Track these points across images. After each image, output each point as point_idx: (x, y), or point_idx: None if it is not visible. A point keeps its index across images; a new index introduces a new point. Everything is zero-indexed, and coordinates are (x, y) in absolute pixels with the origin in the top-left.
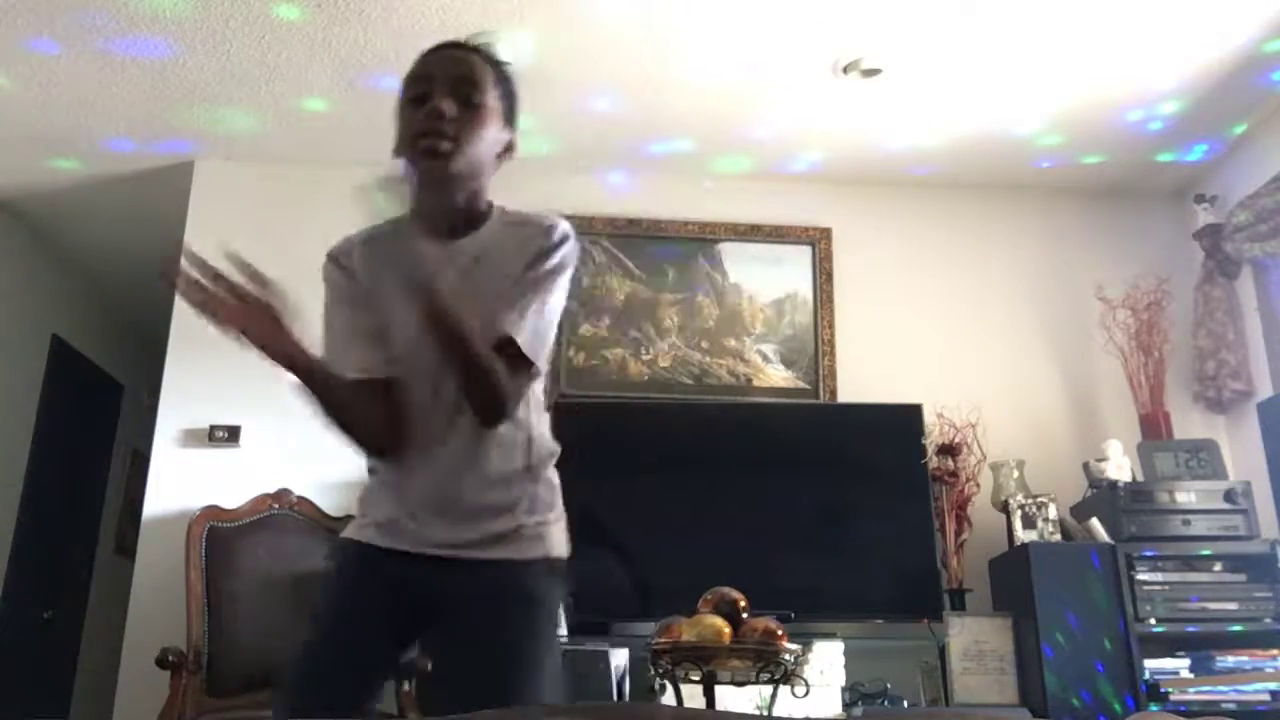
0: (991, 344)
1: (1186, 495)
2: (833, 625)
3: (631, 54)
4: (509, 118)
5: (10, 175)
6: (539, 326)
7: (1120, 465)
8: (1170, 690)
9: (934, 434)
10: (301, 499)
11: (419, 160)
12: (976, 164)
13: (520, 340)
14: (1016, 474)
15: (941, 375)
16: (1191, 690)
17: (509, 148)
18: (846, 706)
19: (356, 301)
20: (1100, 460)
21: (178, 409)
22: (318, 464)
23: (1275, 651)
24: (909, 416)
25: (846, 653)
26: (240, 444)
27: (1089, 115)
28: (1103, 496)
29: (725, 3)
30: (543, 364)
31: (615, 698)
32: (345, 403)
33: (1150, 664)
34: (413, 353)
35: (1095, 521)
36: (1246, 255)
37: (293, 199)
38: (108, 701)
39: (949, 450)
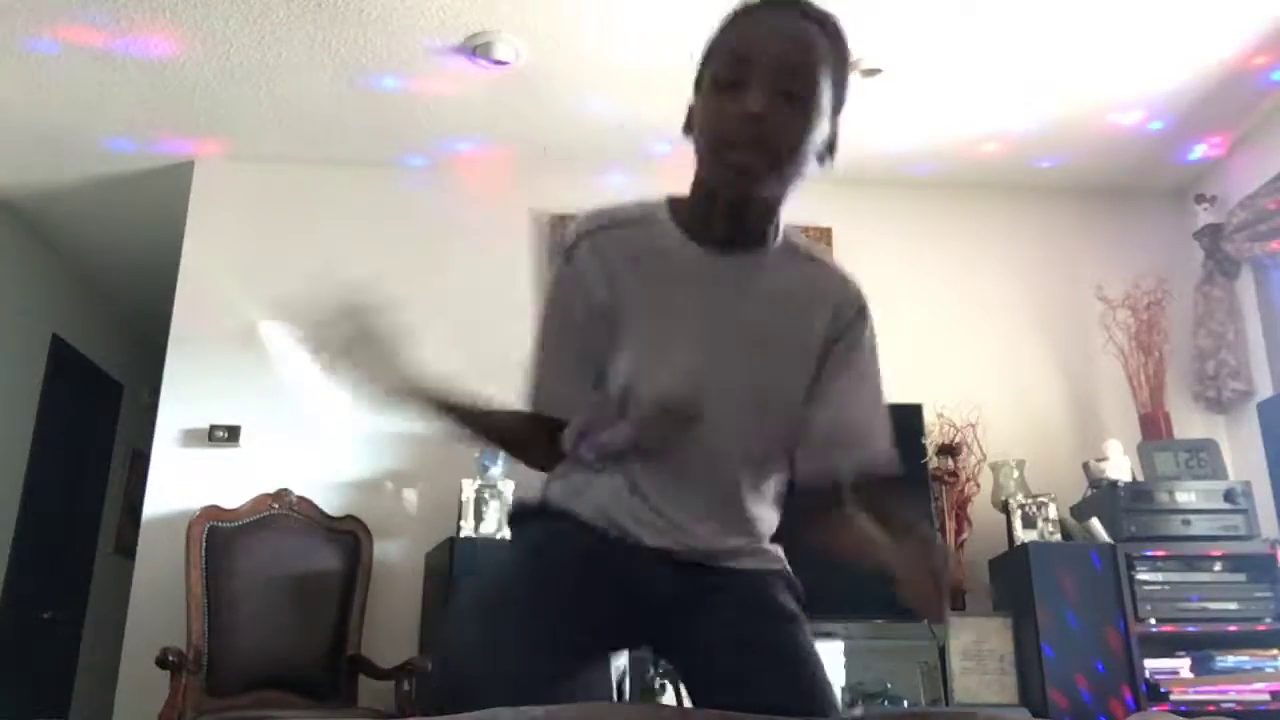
0: (991, 344)
1: (1186, 495)
2: (833, 625)
3: (632, 54)
4: (836, 107)
5: (10, 175)
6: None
7: (1120, 465)
8: (1170, 690)
9: (934, 434)
10: (301, 499)
11: (722, 173)
12: (976, 164)
13: (890, 462)
14: (1016, 474)
15: (941, 375)
16: (1191, 690)
17: (830, 147)
18: (846, 706)
19: (587, 315)
20: (1100, 460)
21: (178, 409)
22: (318, 464)
23: (1275, 651)
24: (909, 416)
25: (846, 653)
26: (240, 444)
27: (1089, 115)
28: (1103, 496)
29: (725, 3)
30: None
31: (615, 698)
32: (500, 432)
33: (1150, 664)
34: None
35: (1095, 521)
36: (1246, 255)
37: (293, 199)
38: (108, 701)
39: (949, 450)
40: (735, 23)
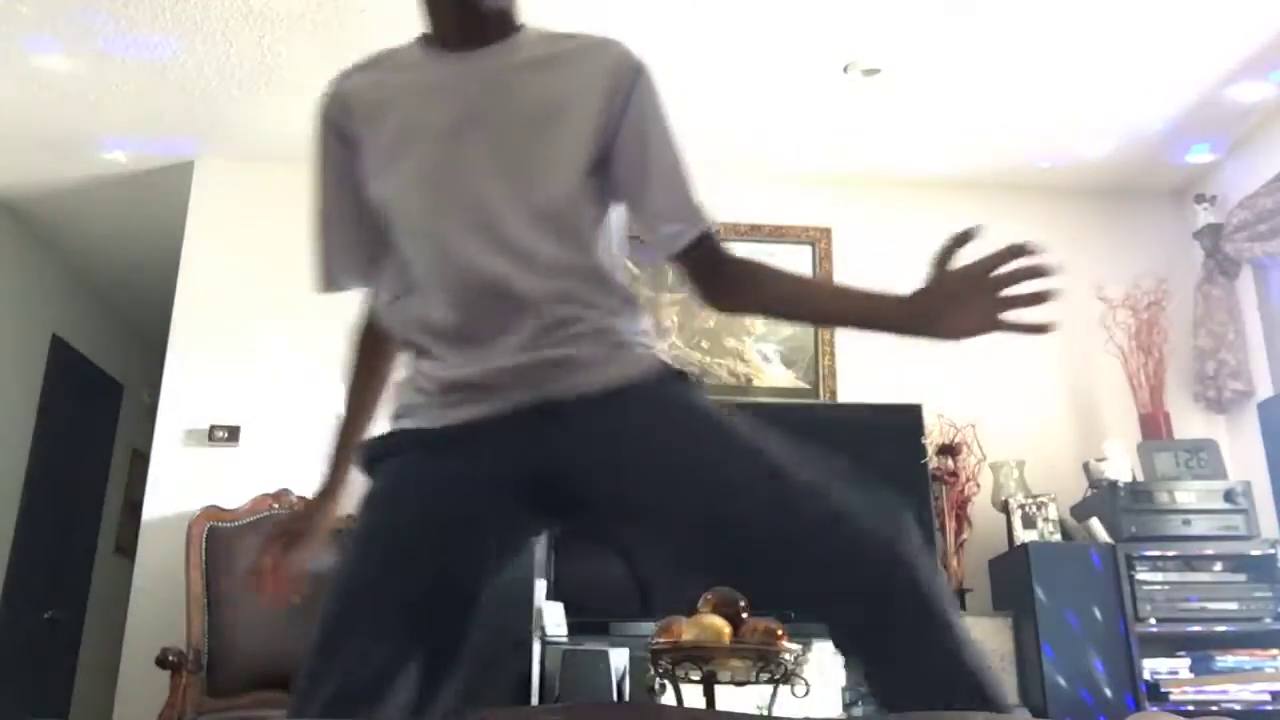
0: (991, 344)
1: (1186, 495)
2: None
3: None
4: None
5: (10, 175)
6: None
7: (1120, 465)
8: (1170, 690)
9: (934, 434)
10: (301, 499)
11: None
12: (976, 164)
13: (708, 229)
14: (1016, 474)
15: (941, 375)
16: (1191, 690)
17: None
18: (846, 706)
19: (338, 176)
20: (1100, 460)
21: (178, 409)
22: (318, 464)
23: (1275, 651)
24: (909, 416)
25: None
26: (240, 444)
27: (1089, 115)
28: (1103, 496)
29: (726, 3)
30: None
31: (615, 698)
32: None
33: (1150, 664)
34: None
35: (1095, 521)
36: (1246, 255)
37: (293, 199)
38: (108, 701)
39: (949, 450)
40: None
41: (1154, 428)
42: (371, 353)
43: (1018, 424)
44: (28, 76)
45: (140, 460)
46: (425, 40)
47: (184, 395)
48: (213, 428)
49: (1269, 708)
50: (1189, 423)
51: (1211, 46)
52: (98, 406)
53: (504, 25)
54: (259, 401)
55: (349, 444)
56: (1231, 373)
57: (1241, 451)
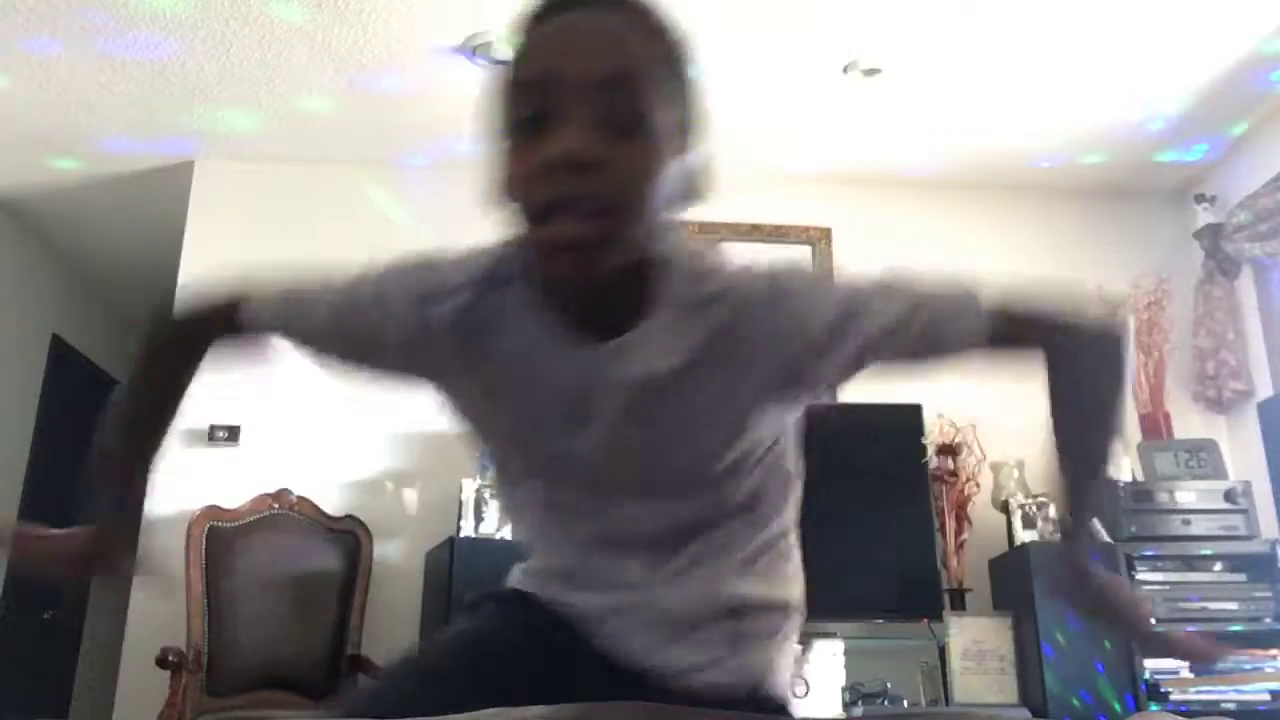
0: None
1: (1186, 495)
2: (833, 625)
3: None
4: (686, 122)
5: (10, 175)
6: None
7: (1120, 465)
8: (1170, 690)
9: (934, 434)
10: (301, 499)
11: (547, 253)
12: (976, 164)
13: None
14: (1016, 474)
15: (941, 375)
16: (1191, 690)
17: (695, 182)
18: (846, 706)
19: (398, 352)
20: None
21: None
22: (318, 464)
23: (1275, 651)
24: (909, 416)
25: (846, 652)
26: (240, 444)
27: (1088, 115)
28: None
29: (726, 2)
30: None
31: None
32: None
33: (1150, 664)
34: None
35: (1095, 521)
36: (1246, 255)
37: (293, 199)
38: (108, 701)
39: (949, 450)
40: (528, 32)
41: (1154, 428)
42: (188, 356)
43: (1018, 424)
44: (28, 76)
45: None
46: (526, 274)
47: None
48: (213, 428)
49: (1269, 708)
50: (1189, 423)
51: (1211, 46)
52: (98, 406)
53: (638, 302)
54: (259, 401)
55: (146, 459)
56: (1231, 373)
57: (1241, 451)
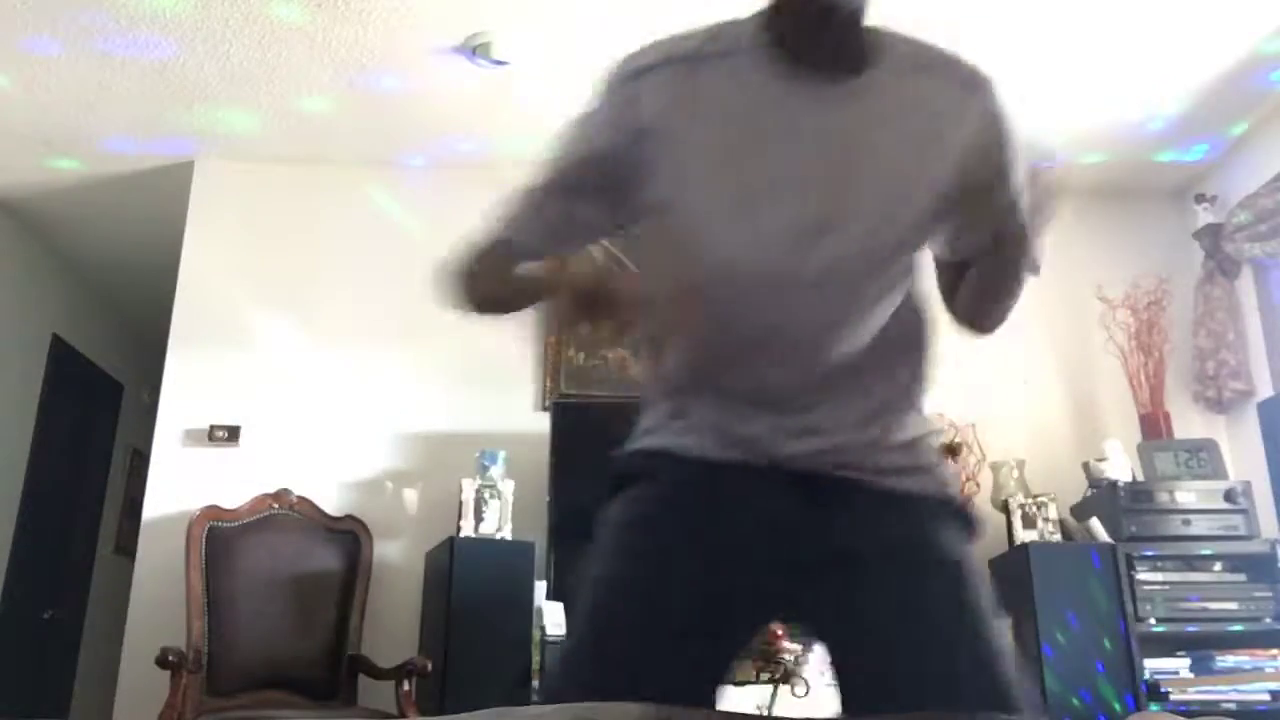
0: (991, 343)
1: (1186, 495)
2: None
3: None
4: None
5: (10, 175)
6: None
7: (1120, 465)
8: (1170, 690)
9: None
10: (301, 499)
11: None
12: None
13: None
14: (1016, 474)
15: (942, 375)
16: (1191, 690)
17: None
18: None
19: (626, 149)
20: (1100, 460)
21: (178, 409)
22: (318, 464)
23: (1275, 651)
24: None
25: None
26: (240, 444)
27: (1088, 115)
28: (1103, 496)
29: (726, 3)
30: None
31: None
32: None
33: (1150, 664)
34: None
35: (1095, 521)
36: (1246, 255)
37: (292, 199)
38: (108, 701)
39: (949, 450)
40: None
41: (1154, 428)
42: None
43: (1018, 424)
44: (28, 76)
45: (140, 460)
46: (768, 31)
47: (184, 395)
48: (212, 427)
49: (1269, 708)
50: (1189, 423)
51: (1211, 46)
52: (98, 406)
53: (860, 49)
54: (259, 401)
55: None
56: (1231, 373)
57: (1241, 451)
